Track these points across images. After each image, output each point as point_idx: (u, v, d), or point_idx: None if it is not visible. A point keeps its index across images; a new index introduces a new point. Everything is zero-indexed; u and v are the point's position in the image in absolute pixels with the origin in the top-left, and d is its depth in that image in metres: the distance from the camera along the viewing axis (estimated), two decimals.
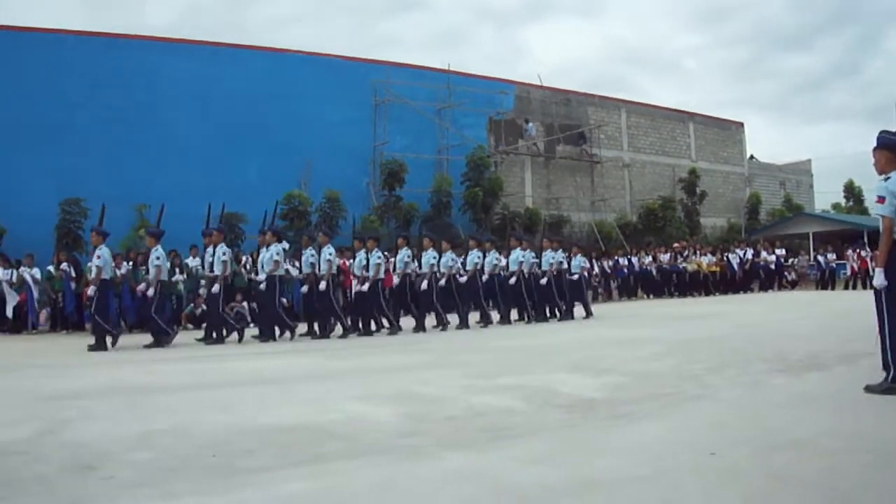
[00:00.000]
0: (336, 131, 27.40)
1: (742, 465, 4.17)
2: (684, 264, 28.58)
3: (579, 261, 19.36)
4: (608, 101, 37.53)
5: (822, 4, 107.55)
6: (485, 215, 29.16)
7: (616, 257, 28.30)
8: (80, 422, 5.93)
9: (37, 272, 17.90)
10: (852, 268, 29.48)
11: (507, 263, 17.91)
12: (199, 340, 14.33)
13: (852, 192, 46.71)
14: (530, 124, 33.25)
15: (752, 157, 44.90)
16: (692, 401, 6.27)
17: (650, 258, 28.34)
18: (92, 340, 13.17)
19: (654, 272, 28.16)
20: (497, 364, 9.42)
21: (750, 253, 30.67)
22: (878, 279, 6.24)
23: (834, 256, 31.22)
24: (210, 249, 14.59)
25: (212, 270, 14.42)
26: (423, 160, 28.97)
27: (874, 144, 6.44)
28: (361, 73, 29.17)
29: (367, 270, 15.03)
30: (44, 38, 24.63)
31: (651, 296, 28.04)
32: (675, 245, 29.94)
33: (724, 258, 29.81)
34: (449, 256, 16.35)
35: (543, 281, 17.57)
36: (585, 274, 20.21)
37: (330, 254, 15.04)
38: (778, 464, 4.17)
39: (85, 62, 24.55)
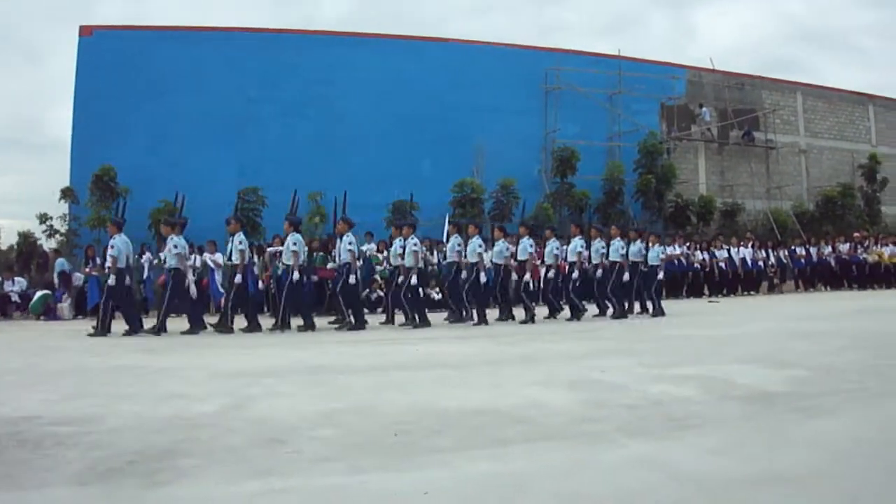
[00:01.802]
0: (508, 120, 27.90)
1: None
2: (865, 255, 27.80)
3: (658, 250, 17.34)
4: (783, 84, 36.55)
5: None
6: (658, 203, 29.17)
7: (793, 246, 27.85)
8: (266, 398, 6.29)
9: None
10: None
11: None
12: (331, 324, 15.04)
13: None
14: (704, 109, 32.84)
15: None
16: (878, 397, 6.03)
17: (829, 248, 27.71)
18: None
19: (833, 263, 27.52)
20: (673, 353, 9.39)
21: None
22: None
23: None
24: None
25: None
26: (594, 147, 29.09)
27: None
28: (532, 60, 29.59)
29: (403, 259, 15.04)
30: (226, 35, 26.43)
31: (829, 287, 27.48)
32: (856, 235, 29.02)
33: None
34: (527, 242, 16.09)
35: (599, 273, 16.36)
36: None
37: (480, 245, 15.41)
38: None
39: (263, 58, 26.26)
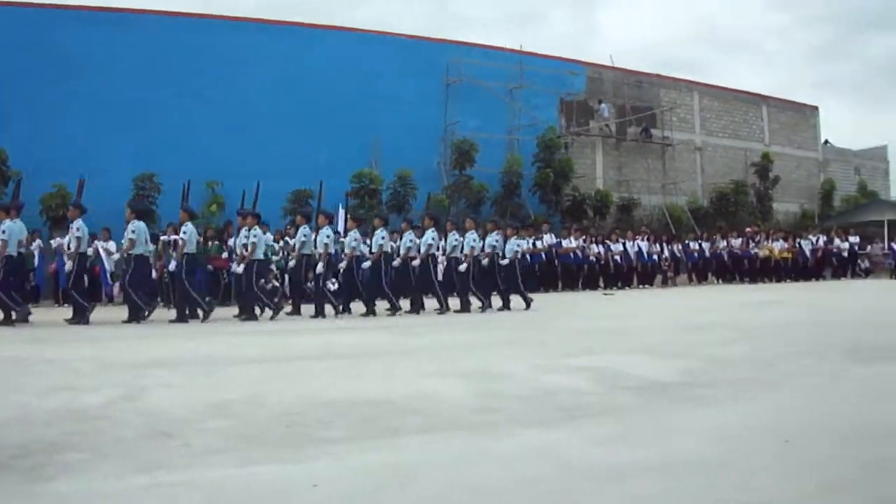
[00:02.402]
0: (408, 111, 27.75)
1: (820, 453, 4.13)
2: (756, 250, 28.69)
3: (513, 245, 16.99)
4: (680, 83, 37.44)
5: None
6: (555, 197, 29.38)
7: (687, 241, 28.48)
8: (157, 390, 6.17)
9: (112, 245, 18.42)
10: None
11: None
12: (236, 317, 14.77)
13: None
14: (603, 105, 33.43)
15: (826, 141, 44.52)
16: (767, 388, 6.21)
17: (722, 243, 28.40)
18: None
19: (726, 257, 28.31)
20: (567, 344, 9.45)
21: (823, 240, 30.80)
22: None
23: None
24: (244, 231, 14.93)
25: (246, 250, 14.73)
26: (493, 140, 29.15)
27: None
28: (434, 52, 29.60)
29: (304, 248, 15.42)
30: (126, 17, 25.65)
31: (721, 281, 28.26)
32: (747, 230, 29.96)
33: (797, 244, 29.87)
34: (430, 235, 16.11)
35: (462, 267, 15.88)
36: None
37: (382, 237, 15.56)
38: (859, 452, 4.11)
39: (164, 42, 25.45)
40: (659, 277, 27.01)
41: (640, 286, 25.98)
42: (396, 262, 16.02)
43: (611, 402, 5.62)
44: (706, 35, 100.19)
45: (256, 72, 26.20)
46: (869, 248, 32.82)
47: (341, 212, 20.53)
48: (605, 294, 22.58)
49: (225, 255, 18.42)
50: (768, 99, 41.02)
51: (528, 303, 16.17)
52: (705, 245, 28.20)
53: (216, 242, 18.45)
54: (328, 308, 15.31)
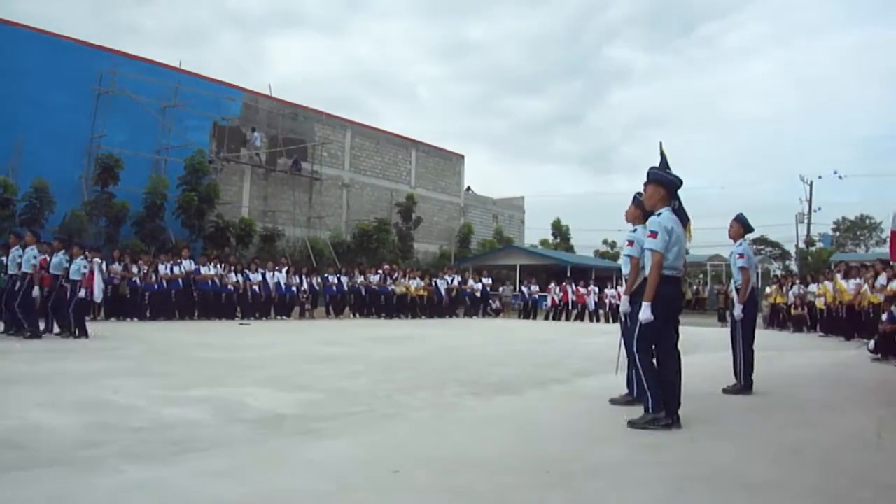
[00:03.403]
0: (53, 116, 26.65)
1: (423, 483, 4.52)
2: (393, 286, 29.97)
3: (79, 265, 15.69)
4: (335, 120, 38.94)
5: (558, 57, 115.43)
6: (199, 221, 29.25)
7: (326, 274, 29.34)
8: None
9: None
10: (553, 300, 32.45)
11: None
12: None
13: (560, 229, 51.15)
14: (256, 134, 33.98)
15: (468, 188, 47.70)
16: (383, 419, 6.59)
17: (361, 277, 29.38)
18: None
19: (363, 291, 29.37)
20: (193, 375, 9.49)
21: (458, 280, 32.94)
22: (624, 306, 7.44)
23: (537, 288, 34.05)
24: None
25: None
26: (141, 158, 28.73)
27: (644, 180, 6.89)
28: (87, 58, 28.71)
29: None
30: None
31: (358, 315, 29.21)
32: (385, 267, 31.17)
33: (433, 283, 31.66)
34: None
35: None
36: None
37: (34, 256, 15.01)
38: (458, 482, 4.52)
39: None
40: (297, 309, 27.63)
41: (278, 317, 26.46)
42: None
43: (227, 435, 5.72)
44: (368, 77, 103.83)
45: None
46: (501, 289, 35.83)
47: None
48: (241, 324, 22.75)
49: None
50: (418, 143, 43.44)
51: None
52: (344, 279, 29.11)
53: None
54: None
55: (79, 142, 27.84)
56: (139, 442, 5.38)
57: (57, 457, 4.90)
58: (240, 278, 25.21)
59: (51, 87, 27.09)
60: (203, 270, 24.11)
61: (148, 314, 22.31)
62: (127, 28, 75.40)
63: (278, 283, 26.41)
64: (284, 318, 26.66)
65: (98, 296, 16.51)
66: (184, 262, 23.88)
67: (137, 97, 28.82)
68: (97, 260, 16.42)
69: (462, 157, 47.01)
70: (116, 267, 22.00)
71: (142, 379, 8.90)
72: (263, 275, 25.96)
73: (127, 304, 22.21)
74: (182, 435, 5.64)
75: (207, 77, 33.26)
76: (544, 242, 52.76)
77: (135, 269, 22.32)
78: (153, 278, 22.65)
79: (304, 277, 27.92)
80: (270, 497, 4.14)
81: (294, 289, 27.23)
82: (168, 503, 4.01)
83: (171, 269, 23.27)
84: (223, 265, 25.15)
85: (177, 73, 30.92)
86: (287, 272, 27.05)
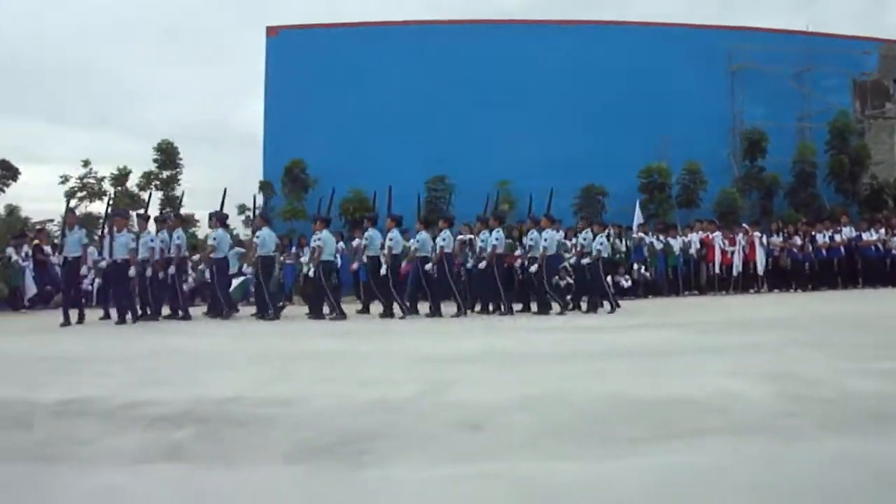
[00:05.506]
0: (693, 102, 27.65)
1: None
2: None
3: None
4: None
5: None
6: (852, 186, 28.24)
7: None
8: (461, 384, 6.53)
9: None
10: None
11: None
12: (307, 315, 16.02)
13: None
14: None
15: None
16: None
17: None
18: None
19: None
20: (877, 347, 8.69)
21: None
22: None
23: None
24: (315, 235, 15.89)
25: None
26: (783, 127, 28.53)
27: None
28: (714, 40, 29.20)
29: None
30: (407, 29, 27.73)
31: None
32: None
33: None
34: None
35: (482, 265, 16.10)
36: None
37: (444, 238, 16.08)
38: None
39: (446, 48, 27.49)
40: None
41: None
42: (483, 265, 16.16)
43: None
44: None
45: (538, 72, 27.40)
46: None
47: (637, 211, 21.27)
48: None
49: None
50: None
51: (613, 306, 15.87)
52: None
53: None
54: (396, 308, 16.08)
55: (721, 121, 28.60)
56: (833, 413, 5.14)
57: (755, 424, 4.90)
58: None
59: (685, 73, 28.03)
60: (865, 236, 23.21)
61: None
62: (739, 3, 74.48)
63: None
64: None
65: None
66: (843, 229, 23.25)
67: (769, 68, 28.66)
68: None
69: None
70: (776, 239, 22.48)
71: (811, 351, 8.37)
72: None
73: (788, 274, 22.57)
74: (874, 407, 5.27)
75: (837, 34, 31.73)
76: None
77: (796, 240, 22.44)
78: (809, 248, 22.56)
79: None
80: None
81: None
82: (872, 475, 3.77)
83: (831, 238, 22.80)
84: (886, 229, 23.89)
85: (805, 37, 30.04)
86: None
